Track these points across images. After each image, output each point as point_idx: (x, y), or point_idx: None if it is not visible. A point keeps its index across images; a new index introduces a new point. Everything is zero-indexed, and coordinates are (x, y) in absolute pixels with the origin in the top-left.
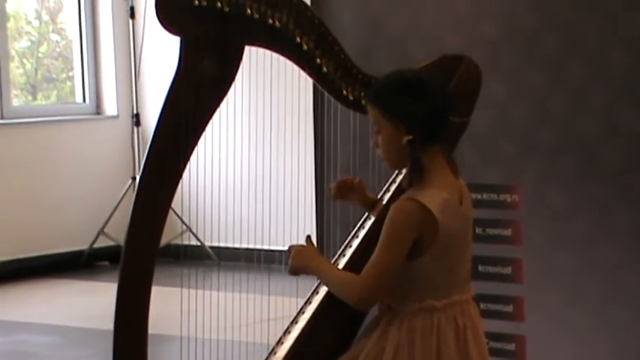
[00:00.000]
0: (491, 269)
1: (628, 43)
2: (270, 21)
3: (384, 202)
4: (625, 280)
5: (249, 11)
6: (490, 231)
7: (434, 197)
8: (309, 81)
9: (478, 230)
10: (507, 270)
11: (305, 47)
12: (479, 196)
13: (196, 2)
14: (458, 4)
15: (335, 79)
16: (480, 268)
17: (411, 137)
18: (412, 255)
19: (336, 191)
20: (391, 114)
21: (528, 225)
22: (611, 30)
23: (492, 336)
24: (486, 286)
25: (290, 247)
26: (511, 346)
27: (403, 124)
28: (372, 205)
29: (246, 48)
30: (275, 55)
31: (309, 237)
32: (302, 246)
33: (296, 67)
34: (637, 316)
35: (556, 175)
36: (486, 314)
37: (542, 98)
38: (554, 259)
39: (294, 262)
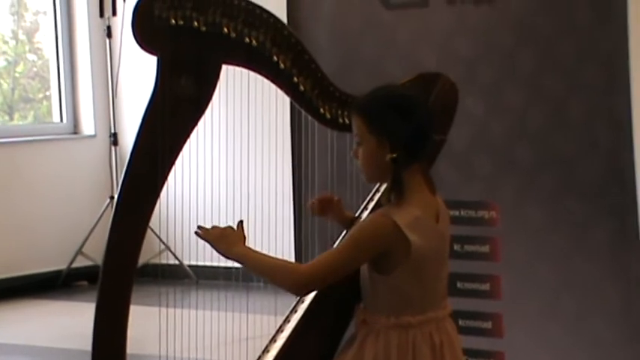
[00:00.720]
0: (470, 286)
1: (604, 58)
2: (247, 40)
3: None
4: (603, 295)
5: (226, 30)
6: (468, 247)
7: (407, 215)
8: (287, 99)
9: (456, 247)
10: (485, 286)
11: (282, 66)
12: (457, 213)
13: (173, 21)
14: (433, 22)
15: (312, 97)
16: (458, 284)
17: (395, 155)
18: (383, 270)
19: (317, 207)
20: (376, 129)
21: (506, 241)
22: (587, 46)
23: (471, 352)
24: (464, 302)
25: (200, 227)
26: None
27: (387, 141)
28: (349, 223)
29: (224, 67)
30: (252, 73)
31: (241, 222)
32: (229, 228)
33: (273, 86)
34: (615, 331)
35: (534, 191)
36: (465, 331)
37: (519, 115)
38: (532, 275)
39: (220, 246)
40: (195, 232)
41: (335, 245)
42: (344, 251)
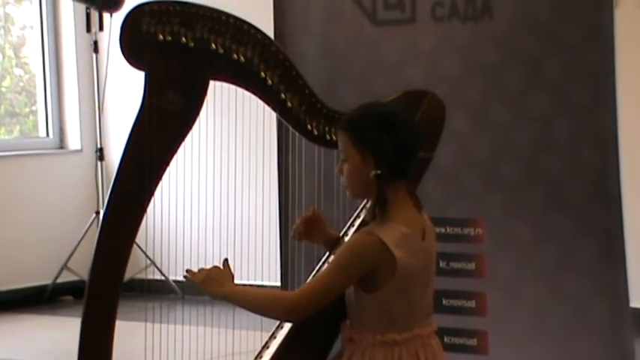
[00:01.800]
0: (455, 303)
1: (591, 77)
2: (235, 56)
3: (349, 236)
4: (589, 312)
5: (213, 46)
6: (454, 264)
7: (393, 232)
8: (274, 115)
9: (442, 264)
10: (471, 303)
11: (269, 82)
12: (443, 230)
13: (161, 37)
14: (421, 39)
15: (299, 113)
16: (444, 301)
17: (379, 172)
18: (370, 288)
19: (302, 229)
20: (361, 145)
21: (492, 258)
22: (573, 64)
23: None
24: (450, 319)
25: (188, 271)
26: None
27: (372, 157)
28: (334, 242)
29: (212, 83)
30: (240, 89)
31: (226, 260)
32: (216, 268)
33: (261, 102)
34: (602, 347)
35: (520, 208)
36: (450, 348)
37: (506, 132)
38: (518, 292)
39: (206, 286)
40: (184, 276)
41: (321, 267)
42: (332, 274)
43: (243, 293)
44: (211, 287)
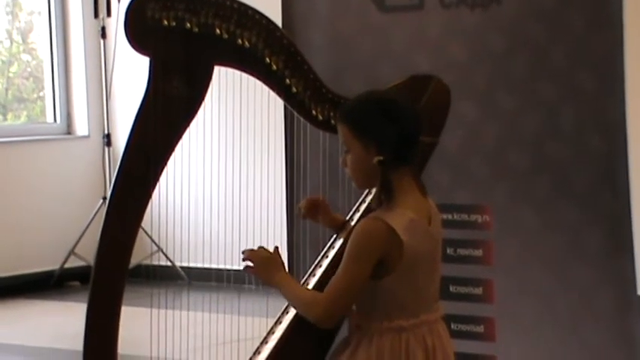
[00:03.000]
0: (462, 290)
1: (596, 64)
2: (240, 41)
3: (353, 222)
4: (596, 300)
5: (218, 31)
6: (461, 251)
7: (400, 217)
8: (280, 101)
9: (449, 251)
10: (478, 290)
11: (274, 67)
12: (450, 217)
13: (165, 22)
14: (428, 26)
15: (304, 98)
16: (451, 288)
17: (381, 158)
18: (378, 274)
19: (306, 210)
20: (361, 134)
21: (499, 245)
22: (579, 52)
23: (463, 357)
24: (457, 306)
25: (245, 251)
26: None
27: (373, 145)
28: (340, 226)
29: (216, 68)
30: (245, 75)
31: (277, 248)
32: (269, 254)
33: (266, 87)
34: (608, 335)
35: (527, 195)
36: (457, 335)
37: (512, 119)
38: (525, 279)
39: (259, 270)
40: (243, 251)
41: (327, 252)
42: (348, 268)
43: (289, 288)
44: (266, 272)
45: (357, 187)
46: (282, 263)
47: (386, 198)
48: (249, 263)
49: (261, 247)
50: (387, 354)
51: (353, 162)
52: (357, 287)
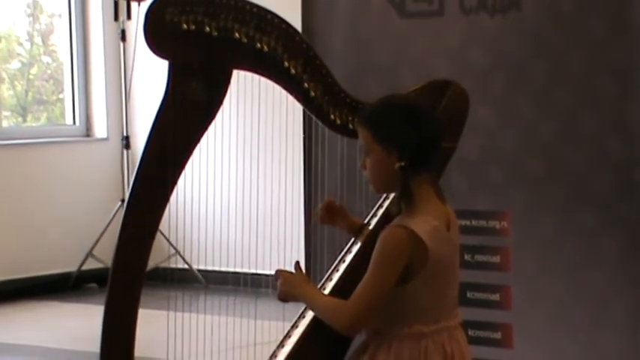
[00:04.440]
0: (480, 296)
1: (616, 71)
2: (259, 45)
3: (371, 226)
4: (613, 307)
5: (237, 35)
6: (479, 257)
7: (424, 224)
8: (298, 105)
9: (467, 257)
10: (496, 297)
11: (293, 71)
12: (467, 223)
13: (185, 26)
14: (448, 31)
15: (322, 103)
16: (469, 294)
17: (403, 164)
18: (401, 280)
19: (324, 214)
20: (383, 138)
21: (517, 252)
22: (599, 58)
23: None
24: (475, 312)
25: (277, 272)
26: None
27: (395, 150)
28: (358, 229)
29: (235, 72)
30: (264, 79)
31: (297, 263)
32: (291, 273)
33: (284, 91)
34: (625, 343)
35: (545, 202)
36: (475, 341)
37: (531, 125)
38: (543, 286)
39: (282, 289)
40: (276, 271)
41: (344, 256)
42: (375, 276)
43: (311, 298)
44: (286, 288)
45: (375, 191)
46: (305, 277)
47: (406, 204)
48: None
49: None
50: (406, 359)
51: (372, 165)
52: (384, 294)
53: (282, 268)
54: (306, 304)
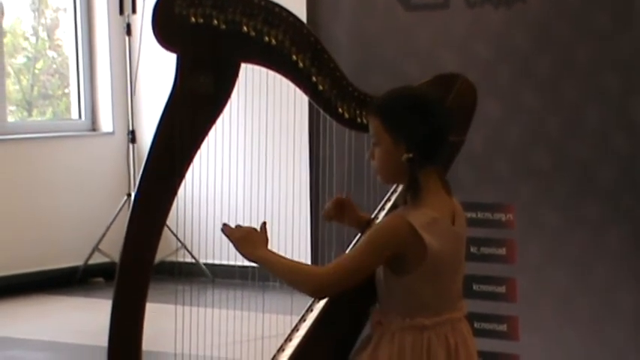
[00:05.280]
0: (486, 288)
1: (621, 65)
2: (266, 39)
3: (379, 220)
4: (618, 299)
5: (245, 29)
6: (484, 250)
7: (422, 216)
8: (305, 98)
9: (472, 249)
10: (501, 289)
11: (300, 65)
12: (473, 215)
13: (193, 19)
14: (453, 24)
15: (330, 96)
16: (474, 286)
17: (411, 155)
18: (398, 271)
19: (332, 211)
20: (393, 129)
21: (523, 244)
22: (604, 52)
23: (486, 355)
24: (480, 304)
25: (225, 226)
26: None
27: (403, 141)
28: (365, 225)
29: (243, 65)
30: (271, 72)
31: (264, 224)
32: (252, 229)
33: (292, 85)
34: (630, 335)
35: (550, 194)
36: (480, 333)
37: (536, 118)
38: (549, 278)
39: (240, 246)
40: (221, 229)
41: (350, 247)
42: (360, 254)
43: (275, 261)
44: (245, 247)
45: (382, 181)
46: (265, 239)
47: (412, 196)
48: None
49: (237, 226)
50: (408, 352)
51: (381, 156)
52: (361, 273)
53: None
54: (268, 267)
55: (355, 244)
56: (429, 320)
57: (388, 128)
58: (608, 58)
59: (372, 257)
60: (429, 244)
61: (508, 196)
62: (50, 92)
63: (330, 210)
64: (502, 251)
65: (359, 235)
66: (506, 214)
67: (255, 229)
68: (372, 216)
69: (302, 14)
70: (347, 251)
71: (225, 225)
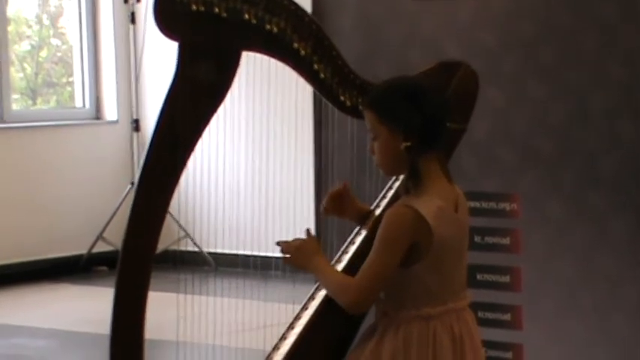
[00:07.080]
0: (490, 277)
1: (626, 54)
2: (268, 26)
3: (381, 208)
4: (623, 290)
5: (246, 17)
6: (488, 239)
7: (428, 204)
8: (308, 86)
9: (477, 238)
10: (505, 278)
11: (302, 53)
12: (477, 205)
13: (194, 7)
14: (458, 12)
15: (332, 84)
16: (478, 276)
17: (409, 144)
18: (408, 262)
19: (330, 204)
20: (388, 120)
21: (527, 233)
22: (609, 41)
23: (490, 344)
24: (484, 294)
25: (281, 244)
26: (508, 355)
27: (400, 130)
28: (364, 217)
29: (245, 54)
30: (274, 60)
31: (308, 230)
32: (303, 240)
33: (294, 73)
34: (634, 326)
35: (555, 184)
36: (484, 322)
37: (541, 107)
38: (553, 268)
39: (295, 260)
40: (277, 243)
41: (353, 239)
42: (378, 257)
43: (322, 272)
44: (300, 260)
45: (385, 173)
46: (317, 246)
47: (413, 185)
48: (287, 255)
49: (295, 239)
50: (414, 342)
51: (380, 148)
52: (388, 274)
53: (273, 248)
54: (318, 277)
55: (356, 234)
56: (435, 310)
57: (383, 120)
58: (614, 47)
59: (391, 254)
60: (436, 231)
61: (513, 185)
62: (54, 80)
63: (328, 204)
64: (506, 241)
65: (358, 227)
66: (511, 204)
67: (305, 240)
68: (373, 206)
69: (306, 2)
70: (348, 246)
71: (280, 242)
